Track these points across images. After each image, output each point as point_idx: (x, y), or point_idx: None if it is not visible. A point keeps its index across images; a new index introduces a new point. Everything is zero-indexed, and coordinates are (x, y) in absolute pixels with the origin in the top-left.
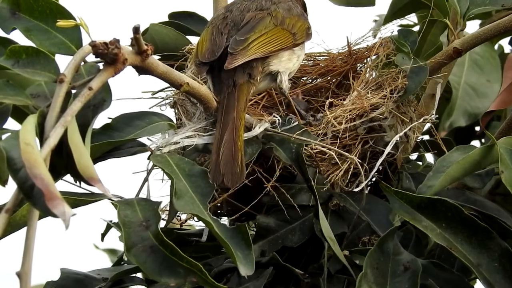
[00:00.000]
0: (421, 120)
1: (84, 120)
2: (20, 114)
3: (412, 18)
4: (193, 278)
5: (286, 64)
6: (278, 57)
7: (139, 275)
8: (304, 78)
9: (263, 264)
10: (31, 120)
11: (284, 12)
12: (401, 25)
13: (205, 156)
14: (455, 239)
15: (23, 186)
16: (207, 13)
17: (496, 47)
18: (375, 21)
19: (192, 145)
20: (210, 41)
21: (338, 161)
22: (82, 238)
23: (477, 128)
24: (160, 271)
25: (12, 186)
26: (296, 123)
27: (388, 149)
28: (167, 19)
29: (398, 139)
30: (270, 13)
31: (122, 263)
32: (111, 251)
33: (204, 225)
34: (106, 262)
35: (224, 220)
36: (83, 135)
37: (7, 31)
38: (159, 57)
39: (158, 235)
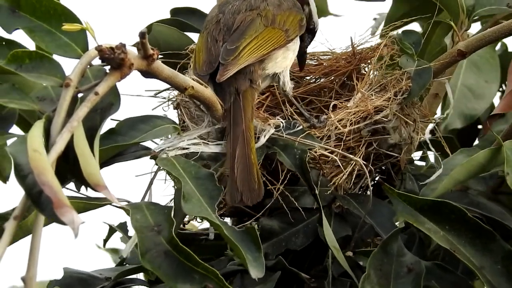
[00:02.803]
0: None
1: (91, 124)
2: (22, 120)
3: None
4: (209, 284)
5: (282, 63)
6: (272, 59)
7: (141, 275)
8: (308, 78)
9: (268, 268)
10: (39, 126)
11: (275, 9)
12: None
13: (208, 162)
14: (459, 242)
15: (31, 192)
16: (209, 9)
17: (498, 45)
18: (375, 19)
19: (198, 152)
20: (206, 51)
21: (340, 164)
22: (84, 238)
23: (479, 126)
24: (176, 276)
25: (13, 183)
26: (300, 127)
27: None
28: (169, 16)
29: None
30: (260, 13)
31: (124, 263)
32: (114, 251)
33: (207, 226)
34: (108, 262)
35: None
36: (91, 139)
37: (9, 30)
38: (161, 56)
39: (172, 240)
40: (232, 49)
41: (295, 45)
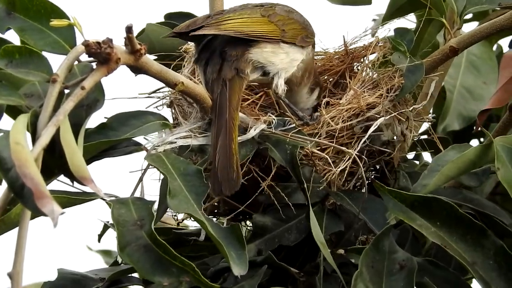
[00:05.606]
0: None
1: (77, 119)
2: (16, 113)
3: (410, 17)
4: (186, 278)
5: (270, 57)
6: (260, 47)
7: (136, 275)
8: None
9: (258, 263)
10: (22, 120)
11: (280, 11)
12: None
13: (198, 155)
14: (450, 237)
15: (14, 185)
16: (203, 14)
17: (494, 47)
18: (374, 20)
19: (187, 145)
20: (194, 20)
21: (331, 162)
22: (79, 239)
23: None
24: (153, 270)
25: None
26: (293, 125)
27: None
28: (163, 20)
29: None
30: (262, 5)
31: (119, 263)
32: (106, 252)
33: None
34: (101, 264)
35: (221, 220)
36: (76, 134)
37: (2, 31)
38: (156, 57)
39: (151, 234)
40: (217, 16)
41: (290, 49)
